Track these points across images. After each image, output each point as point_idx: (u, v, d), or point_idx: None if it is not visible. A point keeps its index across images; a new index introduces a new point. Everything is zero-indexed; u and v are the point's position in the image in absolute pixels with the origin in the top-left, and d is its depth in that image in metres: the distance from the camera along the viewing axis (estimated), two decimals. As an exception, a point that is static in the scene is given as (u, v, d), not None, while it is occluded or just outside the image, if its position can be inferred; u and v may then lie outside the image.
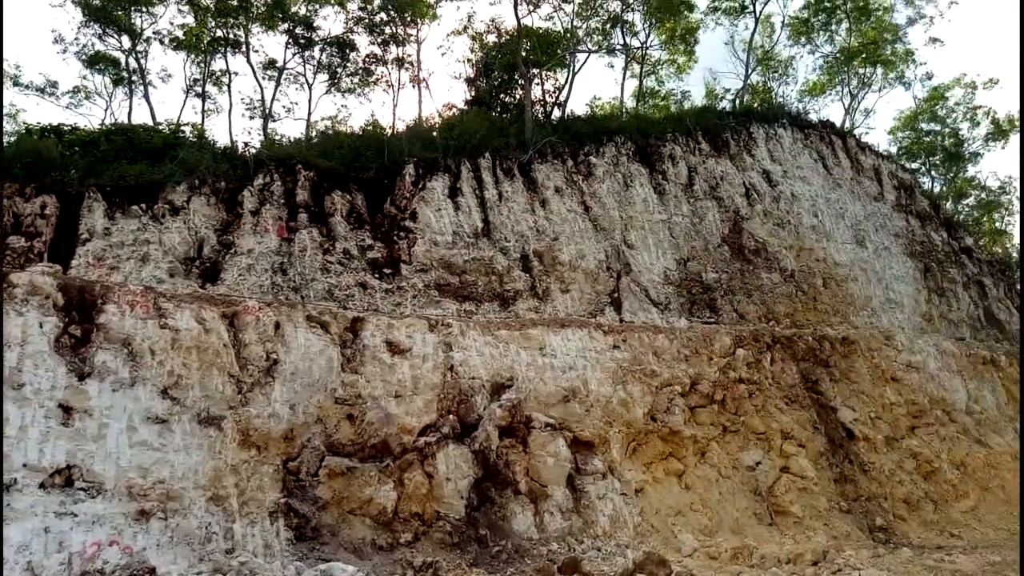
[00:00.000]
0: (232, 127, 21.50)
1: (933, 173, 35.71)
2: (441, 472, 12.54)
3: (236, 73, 24.19)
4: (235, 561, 9.89)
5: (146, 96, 22.41)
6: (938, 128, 35.60)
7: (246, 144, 21.38)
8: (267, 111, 23.84)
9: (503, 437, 13.58)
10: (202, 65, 24.06)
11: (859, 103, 32.19)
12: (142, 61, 22.97)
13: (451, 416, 13.44)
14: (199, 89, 24.10)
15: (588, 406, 15.02)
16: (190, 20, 23.22)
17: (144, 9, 22.62)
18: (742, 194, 22.21)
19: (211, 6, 22.90)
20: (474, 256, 17.16)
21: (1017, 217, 38.02)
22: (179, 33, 23.31)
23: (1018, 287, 30.15)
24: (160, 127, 21.40)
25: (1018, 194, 37.40)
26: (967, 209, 36.37)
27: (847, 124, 30.21)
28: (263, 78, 23.89)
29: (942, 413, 20.30)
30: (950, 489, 18.28)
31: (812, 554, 12.48)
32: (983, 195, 37.15)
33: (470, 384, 14.10)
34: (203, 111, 23.91)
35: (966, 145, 35.49)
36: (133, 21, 22.43)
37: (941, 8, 31.16)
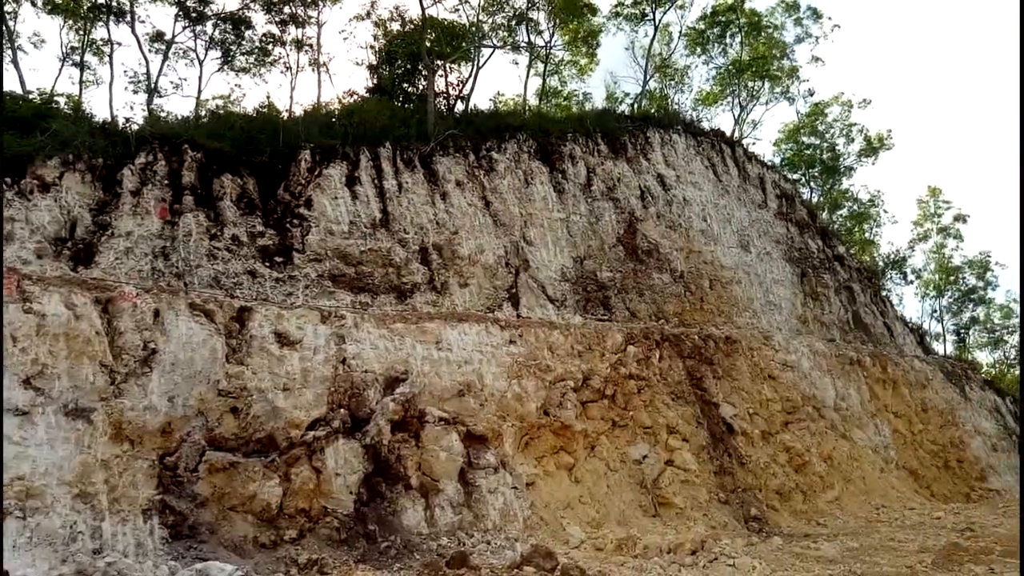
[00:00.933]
0: (113, 101, 20.08)
1: (812, 184, 38.12)
2: (330, 467, 12.24)
3: (120, 44, 22.66)
4: (101, 562, 9.30)
5: (14, 61, 20.58)
6: (817, 142, 38.04)
7: (128, 120, 20.03)
8: (153, 86, 22.45)
9: (396, 431, 13.41)
10: (81, 32, 22.37)
11: (748, 114, 33.94)
12: (11, 23, 21.10)
13: (342, 410, 13.14)
14: (77, 58, 22.40)
15: (483, 400, 15.07)
16: (69, -17, 21.51)
17: (14, -34, 20.80)
18: (637, 196, 22.90)
19: (93, -31, 21.33)
20: (371, 247, 16.85)
21: (882, 229, 41.20)
22: (56, -3, 21.56)
23: (883, 294, 32.68)
24: (31, 96, 19.74)
25: (885, 207, 40.56)
26: (840, 219, 39.02)
27: (736, 134, 31.76)
28: (149, 51, 22.48)
29: (813, 409, 21.69)
30: (818, 480, 19.57)
31: (691, 543, 13.04)
32: (855, 207, 40.00)
33: (363, 377, 13.84)
34: (81, 82, 22.22)
35: (842, 159, 38.13)
36: (1, -22, 20.55)
37: (825, 30, 32.98)
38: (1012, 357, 44.61)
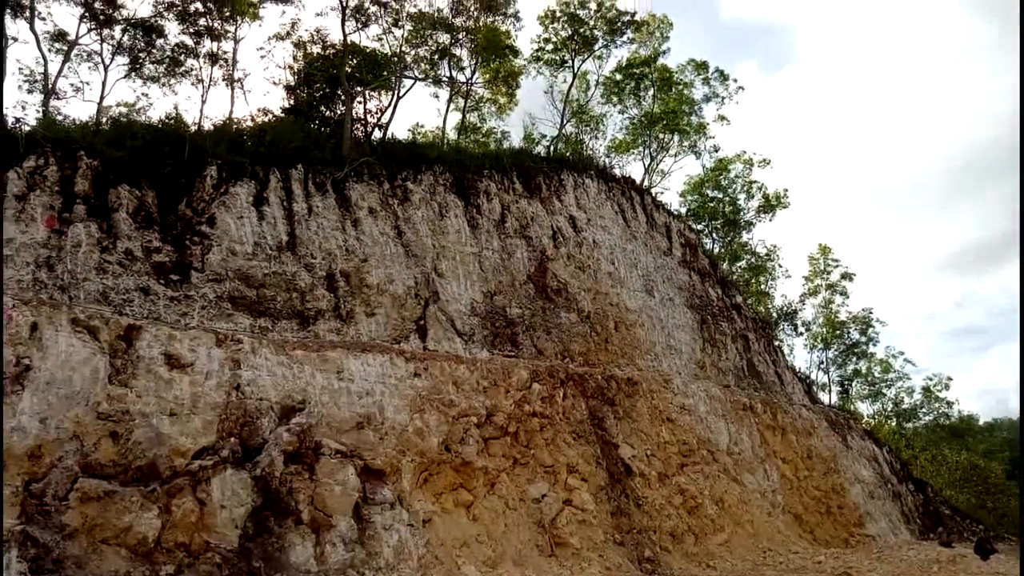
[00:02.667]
0: (4, 99, 18.72)
1: (714, 235, 39.94)
2: (215, 499, 11.58)
3: (16, 39, 21.13)
4: (-56, 601, 8.39)
5: None
6: (720, 196, 39.99)
7: (18, 120, 18.77)
8: (50, 87, 21.19)
9: (289, 463, 12.87)
10: (-28, 24, 20.91)
11: (657, 164, 35.35)
12: None
13: (232, 439, 12.51)
14: (-35, 50, 20.87)
15: (383, 434, 14.71)
16: (-38, -30, 20.15)
17: (-99, -53, 19.30)
18: (549, 236, 23.28)
19: (-9, -41, 20.06)
20: (275, 270, 16.32)
21: (777, 282, 43.51)
22: (-54, -17, 20.12)
23: (775, 343, 34.32)
24: (-93, 86, 18.22)
25: (780, 262, 42.88)
26: (739, 271, 40.95)
27: (646, 182, 32.94)
28: (49, 50, 21.27)
29: (707, 453, 22.35)
30: (709, 523, 20.09)
31: (585, 584, 13.05)
32: (753, 260, 42.11)
33: (257, 405, 13.25)
34: (-32, 76, 20.70)
35: (742, 214, 40.18)
36: None
37: (731, 91, 34.92)
38: (889, 409, 47.63)
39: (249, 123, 23.03)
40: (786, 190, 40.74)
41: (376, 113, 25.48)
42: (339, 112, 24.00)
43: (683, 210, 38.19)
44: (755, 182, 40.17)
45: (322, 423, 13.89)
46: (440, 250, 20.11)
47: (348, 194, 19.12)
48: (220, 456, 12.07)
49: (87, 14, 21.29)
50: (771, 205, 40.18)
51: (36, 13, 20.64)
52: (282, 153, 18.65)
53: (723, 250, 39.91)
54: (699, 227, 38.07)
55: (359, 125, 24.59)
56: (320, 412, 14.00)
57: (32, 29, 20.55)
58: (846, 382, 45.61)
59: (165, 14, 22.29)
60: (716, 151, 37.99)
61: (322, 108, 24.77)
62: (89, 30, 21.63)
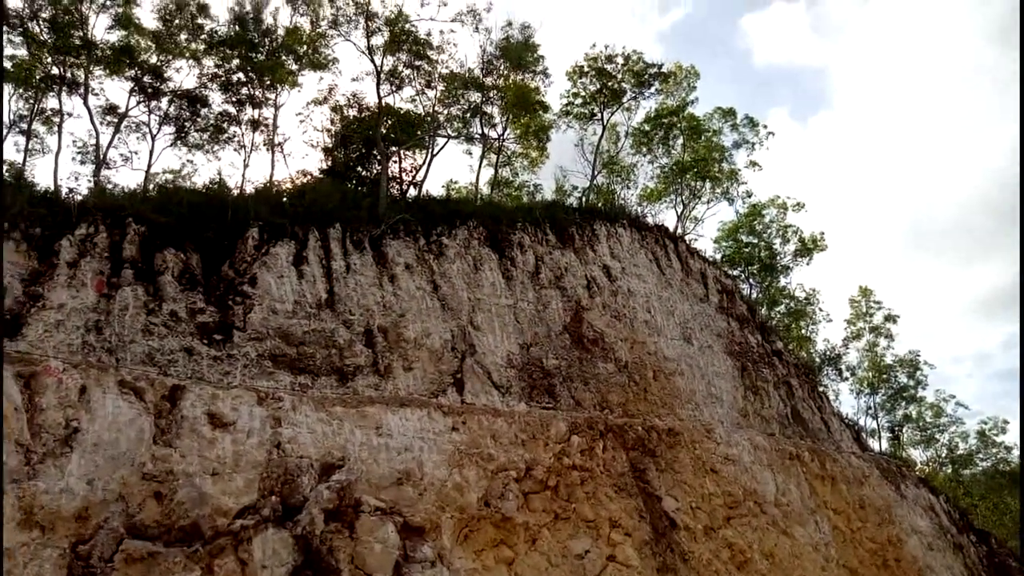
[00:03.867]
0: (59, 171, 19.84)
1: (751, 281, 39.46)
2: (257, 558, 11.59)
3: (70, 114, 22.34)
4: (-7, 665, 8.46)
5: (-43, 126, 20.18)
6: (755, 241, 39.66)
7: (71, 190, 19.67)
8: (101, 157, 22.20)
9: (329, 521, 12.84)
10: (32, 101, 22.16)
11: (690, 212, 35.30)
12: (-43, 89, 20.78)
13: (273, 497, 12.56)
14: (24, 126, 22.07)
15: (422, 490, 14.63)
16: (23, 53, 21.44)
17: (-33, 34, 20.67)
18: (584, 286, 23.31)
19: (50, 42, 21.34)
20: (315, 327, 16.58)
21: (818, 327, 42.64)
22: (8, 65, 21.41)
23: (820, 389, 33.50)
24: (-31, 162, 19.24)
25: (820, 306, 42.12)
26: (778, 316, 40.31)
27: (679, 230, 32.89)
28: (101, 123, 22.36)
29: (754, 504, 21.69)
30: (759, 577, 19.38)
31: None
32: (792, 304, 41.44)
33: (297, 463, 13.33)
34: (26, 150, 21.78)
35: (778, 258, 39.72)
36: (-48, 45, 20.38)
37: (761, 137, 34.99)
38: (943, 456, 45.80)
39: (289, 185, 23.79)
40: (822, 233, 40.28)
41: (411, 171, 26.14)
42: (375, 171, 24.66)
43: (718, 256, 37.95)
44: (790, 226, 39.83)
45: (362, 480, 13.89)
46: (476, 303, 20.25)
47: (385, 251, 19.47)
48: (261, 515, 12.12)
49: (136, 88, 22.40)
50: (808, 249, 39.69)
51: (90, 90, 21.78)
52: (321, 213, 19.14)
53: (761, 295, 39.40)
54: (735, 273, 37.72)
55: (395, 183, 25.21)
56: (360, 469, 14.01)
57: (86, 104, 21.68)
58: (896, 428, 44.08)
59: (209, 85, 23.37)
60: (749, 196, 37.83)
61: (359, 168, 25.49)
62: (138, 103, 22.74)
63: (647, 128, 33.23)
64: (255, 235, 17.33)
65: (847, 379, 42.61)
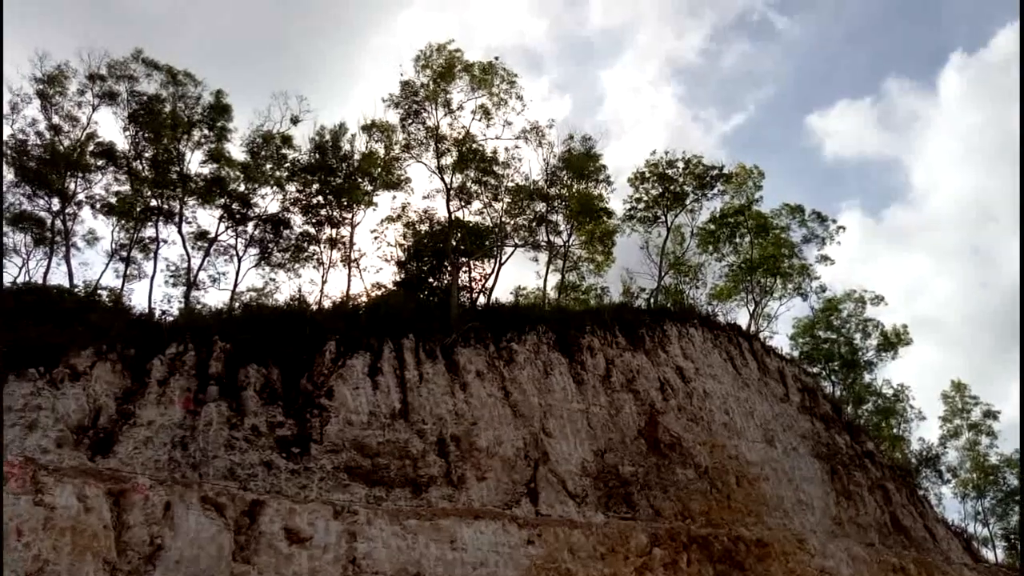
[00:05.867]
0: (153, 294, 21.46)
1: (832, 378, 37.82)
2: None
3: (165, 241, 24.20)
4: None
5: (67, 257, 22.03)
6: (834, 337, 38.27)
7: (164, 312, 20.97)
8: (192, 280, 23.70)
9: (404, 642, 12.47)
10: (131, 231, 24.09)
11: (762, 309, 34.56)
12: (69, 223, 22.84)
13: (349, 616, 12.35)
14: (124, 254, 23.91)
15: (498, 607, 14.11)
16: (126, 188, 23.54)
17: (81, 175, 22.90)
18: (657, 388, 22.84)
19: (150, 177, 23.39)
20: (389, 438, 16.70)
21: (915, 424, 40.08)
22: (113, 199, 23.51)
23: (920, 493, 31.16)
24: (76, 289, 20.84)
25: (911, 402, 39.75)
26: (866, 414, 38.22)
27: (752, 327, 32.15)
28: (193, 248, 24.03)
29: (857, 623, 19.94)
30: None
31: None
32: (880, 402, 39.30)
33: (373, 579, 13.13)
34: (125, 275, 23.53)
35: (860, 354, 38.09)
36: (67, 185, 22.56)
37: (831, 231, 34.51)
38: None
39: (364, 298, 24.70)
40: (905, 326, 38.65)
41: (480, 280, 26.81)
42: (446, 282, 25.38)
43: (795, 354, 36.67)
44: (870, 320, 38.39)
45: (437, 597, 13.53)
46: (547, 409, 20.07)
47: (456, 359, 19.71)
48: (337, 635, 11.89)
49: (226, 214, 24.14)
50: (891, 343, 38.03)
51: (184, 218, 23.60)
52: (394, 324, 19.69)
53: (845, 393, 37.60)
54: (815, 370, 36.28)
55: (465, 292, 25.84)
56: (434, 585, 13.68)
57: (180, 232, 23.45)
58: (1012, 536, 40.13)
59: (291, 208, 25.03)
60: (823, 291, 36.82)
61: (430, 279, 26.33)
62: (227, 228, 24.44)
63: (713, 228, 33.28)
64: (332, 348, 17.89)
65: (949, 482, 39.48)
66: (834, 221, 34.61)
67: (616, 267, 32.04)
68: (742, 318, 32.94)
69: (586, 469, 19.26)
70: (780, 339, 39.20)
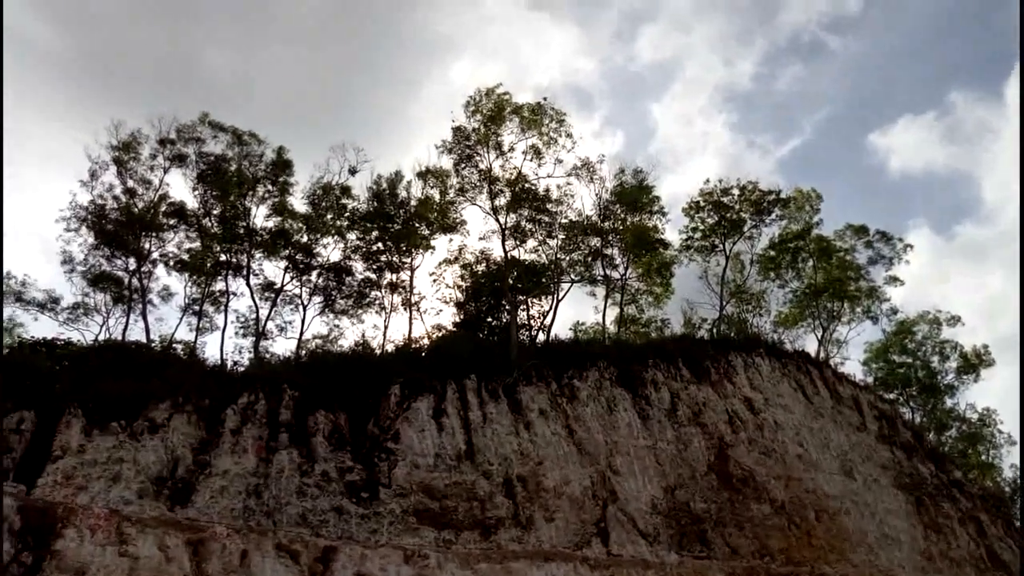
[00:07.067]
0: (224, 345, 22.40)
1: (911, 404, 36.15)
2: None
3: (235, 294, 25.12)
4: None
5: (143, 314, 23.04)
6: (910, 360, 36.68)
7: (235, 363, 21.65)
8: (260, 330, 24.44)
9: None
10: (203, 286, 25.07)
11: (831, 334, 33.44)
12: (145, 281, 23.94)
13: (424, 663, 12.26)
14: (196, 308, 24.86)
15: (574, 652, 13.79)
16: (196, 245, 24.60)
17: (155, 234, 24.05)
18: (726, 421, 22.26)
19: (219, 233, 24.40)
20: (456, 480, 16.70)
21: (1005, 450, 37.83)
22: (185, 256, 24.58)
23: (1017, 524, 29.28)
24: (153, 344, 21.72)
25: (1000, 426, 37.61)
26: (950, 441, 36.34)
27: (822, 354, 31.15)
28: (260, 299, 24.82)
29: (958, 666, 18.71)
30: None
31: None
32: (964, 427, 37.33)
33: (446, 625, 13.04)
34: (197, 329, 24.47)
35: (939, 377, 36.36)
36: (142, 244, 23.72)
37: (898, 251, 33.35)
38: None
39: (425, 341, 25.01)
40: (986, 346, 36.77)
41: (539, 317, 26.85)
42: (504, 321, 25.50)
43: (869, 380, 35.24)
44: (947, 342, 36.71)
45: (511, 643, 13.32)
46: (613, 446, 19.77)
47: (519, 397, 19.68)
48: None
49: (290, 265, 24.93)
50: (972, 365, 36.21)
51: (251, 271, 24.50)
52: (456, 364, 19.83)
53: (925, 420, 35.87)
54: (891, 397, 34.78)
55: (524, 330, 25.89)
56: (508, 630, 13.49)
57: (248, 284, 24.33)
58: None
59: (352, 256, 25.71)
60: (894, 313, 35.51)
61: (489, 319, 26.51)
62: (292, 278, 25.20)
63: (773, 254, 32.59)
64: (396, 391, 18.11)
65: (1050, 511, 36.99)
66: (900, 240, 33.47)
67: (676, 298, 31.58)
68: (810, 345, 31.99)
69: (656, 507, 18.82)
70: (852, 365, 37.69)
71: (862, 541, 21.28)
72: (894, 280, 33.58)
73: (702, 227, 30.83)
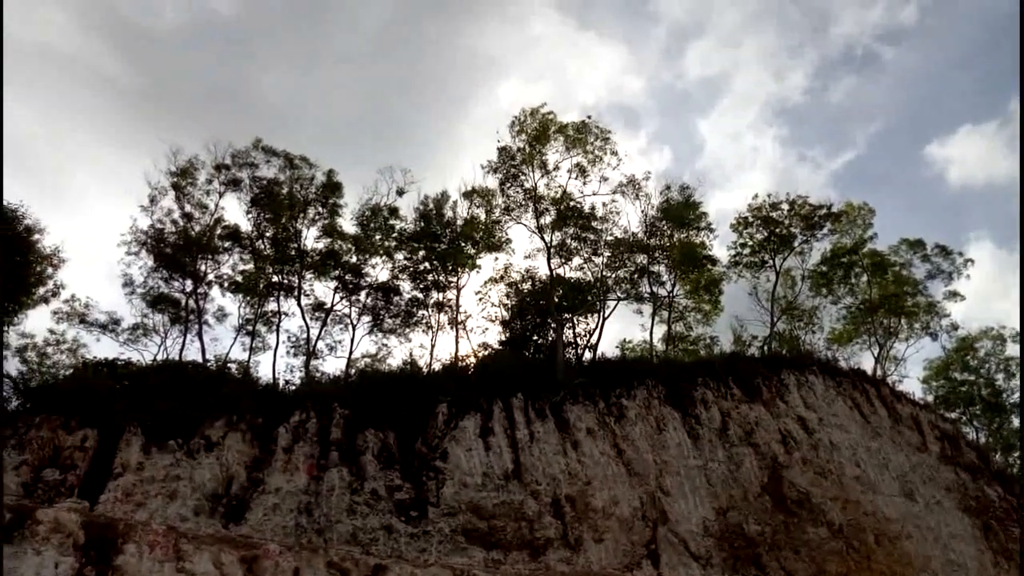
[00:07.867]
0: (276, 364, 22.98)
1: (975, 423, 34.75)
2: None
3: (286, 314, 25.69)
4: None
5: (199, 334, 23.73)
6: (972, 378, 35.31)
7: (287, 382, 22.06)
8: (311, 349, 24.89)
9: None
10: (256, 306, 25.70)
11: (888, 351, 32.41)
12: (201, 302, 24.66)
13: None
14: (250, 328, 25.48)
15: (625, 677, 13.55)
16: (250, 267, 25.26)
17: (210, 257, 24.81)
18: (779, 441, 21.72)
19: (271, 255, 25.02)
20: (504, 499, 16.66)
21: None
22: (239, 278, 25.26)
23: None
24: (208, 363, 22.30)
25: None
26: (1018, 463, 34.75)
27: (878, 372, 30.21)
28: (311, 319, 25.31)
29: None
30: None
31: None
32: (1033, 448, 35.68)
33: (496, 646, 12.96)
34: (251, 348, 25.06)
35: (1005, 395, 34.88)
36: (199, 267, 24.48)
37: (958, 265, 32.21)
38: None
39: (472, 359, 25.09)
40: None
41: (585, 335, 26.68)
42: (551, 338, 25.44)
43: (930, 398, 33.99)
44: (1012, 358, 35.20)
45: (561, 666, 13.16)
46: (662, 466, 19.47)
47: (566, 416, 19.57)
48: None
49: (340, 285, 25.39)
50: (1039, 382, 34.63)
51: (302, 291, 25.00)
52: (503, 383, 19.84)
53: (991, 440, 34.41)
54: (953, 416, 33.48)
55: (570, 348, 25.77)
56: (558, 653, 13.33)
57: (299, 304, 24.81)
58: None
59: (400, 276, 26.02)
60: (955, 329, 34.20)
61: (535, 337, 26.47)
62: (341, 298, 25.64)
63: (824, 269, 31.81)
64: (444, 410, 18.20)
65: None
66: (960, 254, 32.30)
67: (725, 315, 31.02)
68: (866, 362, 31.05)
69: (708, 529, 18.44)
70: (911, 383, 36.43)
71: (926, 567, 20.45)
72: (954, 295, 32.41)
73: (751, 243, 30.29)
